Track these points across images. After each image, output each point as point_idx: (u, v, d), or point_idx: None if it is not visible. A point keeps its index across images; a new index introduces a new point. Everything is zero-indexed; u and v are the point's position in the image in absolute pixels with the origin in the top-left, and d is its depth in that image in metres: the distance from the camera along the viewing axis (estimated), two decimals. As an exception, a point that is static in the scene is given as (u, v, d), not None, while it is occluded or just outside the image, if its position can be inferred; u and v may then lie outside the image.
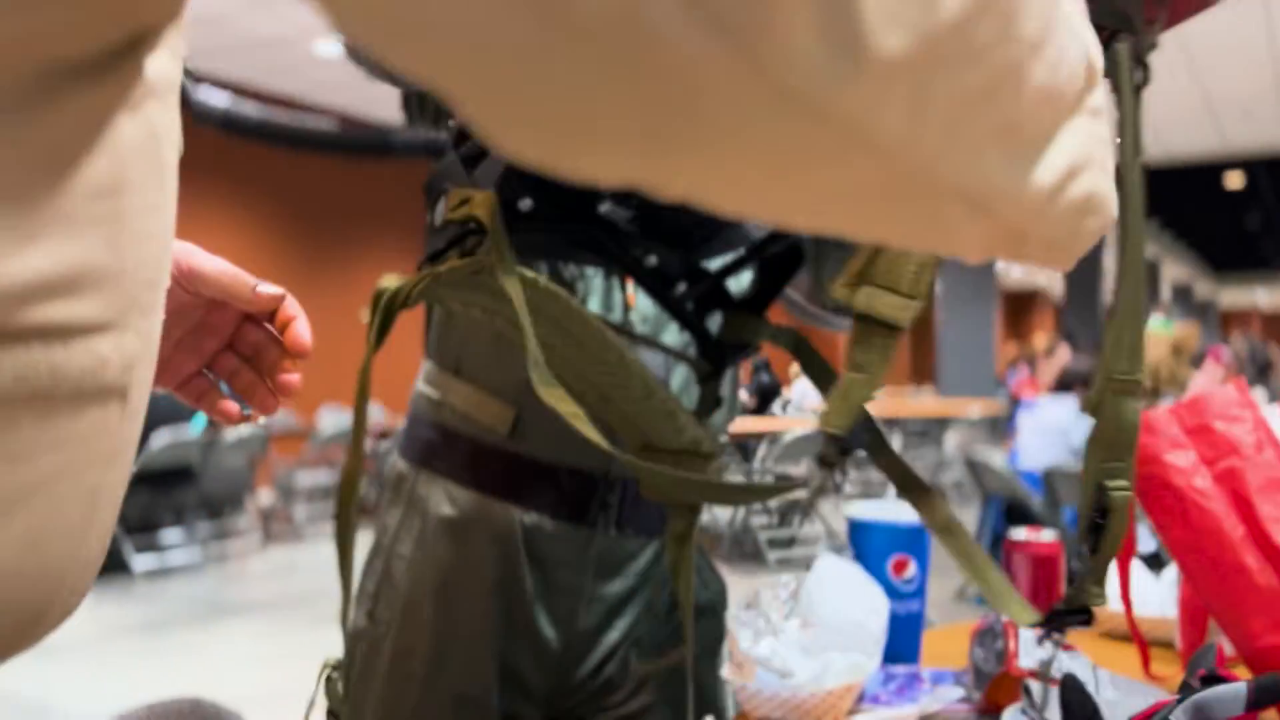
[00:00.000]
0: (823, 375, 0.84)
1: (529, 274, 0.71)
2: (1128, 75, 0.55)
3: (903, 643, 1.11)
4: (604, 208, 0.80)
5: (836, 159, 0.27)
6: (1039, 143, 0.31)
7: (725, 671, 1.07)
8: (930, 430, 8.82)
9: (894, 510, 1.18)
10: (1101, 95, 0.34)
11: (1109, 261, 15.47)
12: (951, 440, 7.46)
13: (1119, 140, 0.54)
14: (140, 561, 5.55)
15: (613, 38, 0.22)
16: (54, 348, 0.33)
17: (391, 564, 1.05)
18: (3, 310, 0.32)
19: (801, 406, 9.63)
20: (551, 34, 0.22)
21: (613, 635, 1.10)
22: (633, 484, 1.05)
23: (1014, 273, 22.17)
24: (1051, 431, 4.30)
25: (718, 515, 6.57)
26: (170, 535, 5.86)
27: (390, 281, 0.74)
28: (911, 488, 0.71)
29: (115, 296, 0.35)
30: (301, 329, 0.66)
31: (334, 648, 1.07)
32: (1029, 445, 4.43)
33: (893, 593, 1.09)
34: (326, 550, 5.58)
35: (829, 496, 6.97)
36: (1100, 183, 0.35)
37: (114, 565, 5.49)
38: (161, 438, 5.40)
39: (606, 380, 0.74)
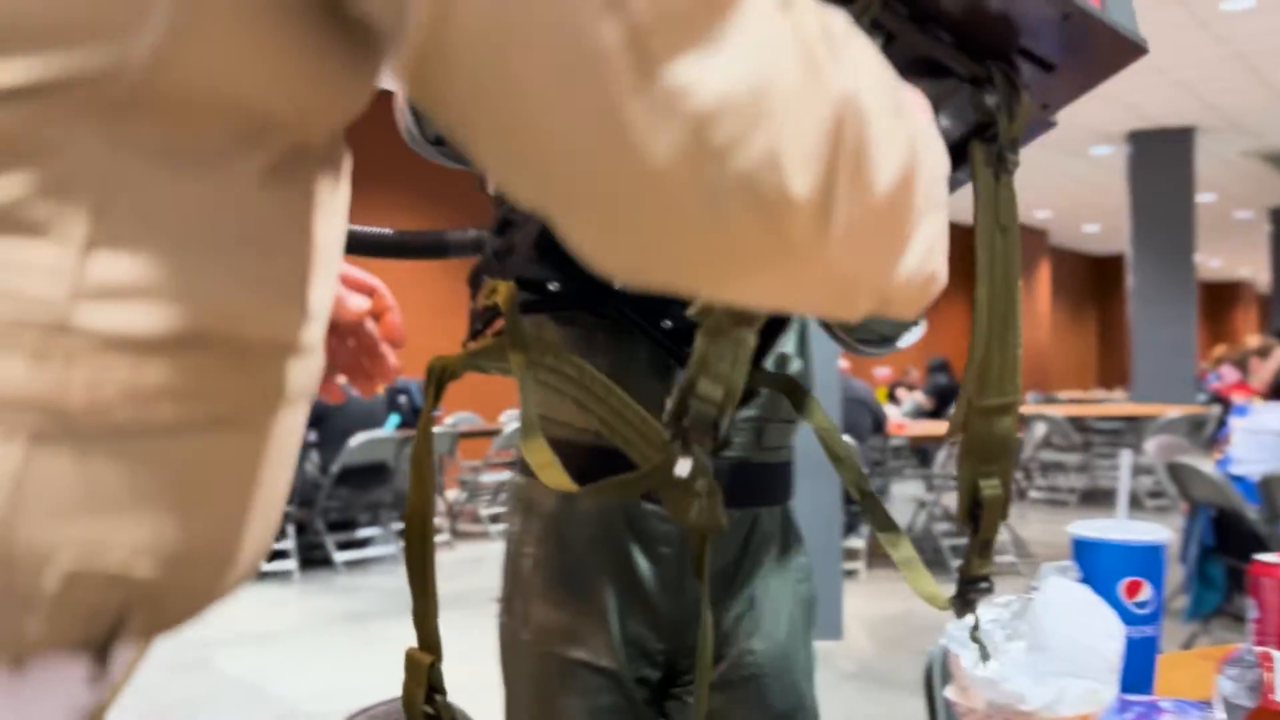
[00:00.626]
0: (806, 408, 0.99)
1: (542, 341, 0.90)
2: (982, 166, 0.66)
3: (1136, 670, 1.06)
4: (618, 284, 0.89)
5: (802, 279, 0.42)
6: (912, 240, 0.46)
7: (949, 693, 1.05)
8: (1122, 432, 8.34)
9: (1123, 528, 1.13)
10: (944, 191, 0.49)
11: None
12: (1150, 446, 7.00)
13: (979, 211, 0.66)
14: (341, 556, 5.88)
15: (690, 210, 0.37)
16: (305, 361, 0.44)
17: (520, 563, 1.21)
18: (306, 329, 0.43)
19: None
20: (644, 207, 0.37)
21: (719, 601, 1.20)
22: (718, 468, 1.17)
23: (1213, 263, 20.65)
24: (1270, 437, 3.99)
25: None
26: (367, 531, 6.20)
27: (440, 359, 0.90)
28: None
29: (320, 324, 0.46)
30: (395, 320, 0.75)
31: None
32: (1243, 451, 4.13)
33: (1125, 616, 1.04)
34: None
35: (1013, 502, 6.66)
36: (940, 259, 0.49)
37: (319, 560, 5.85)
38: (357, 439, 5.71)
39: (609, 415, 0.89)
